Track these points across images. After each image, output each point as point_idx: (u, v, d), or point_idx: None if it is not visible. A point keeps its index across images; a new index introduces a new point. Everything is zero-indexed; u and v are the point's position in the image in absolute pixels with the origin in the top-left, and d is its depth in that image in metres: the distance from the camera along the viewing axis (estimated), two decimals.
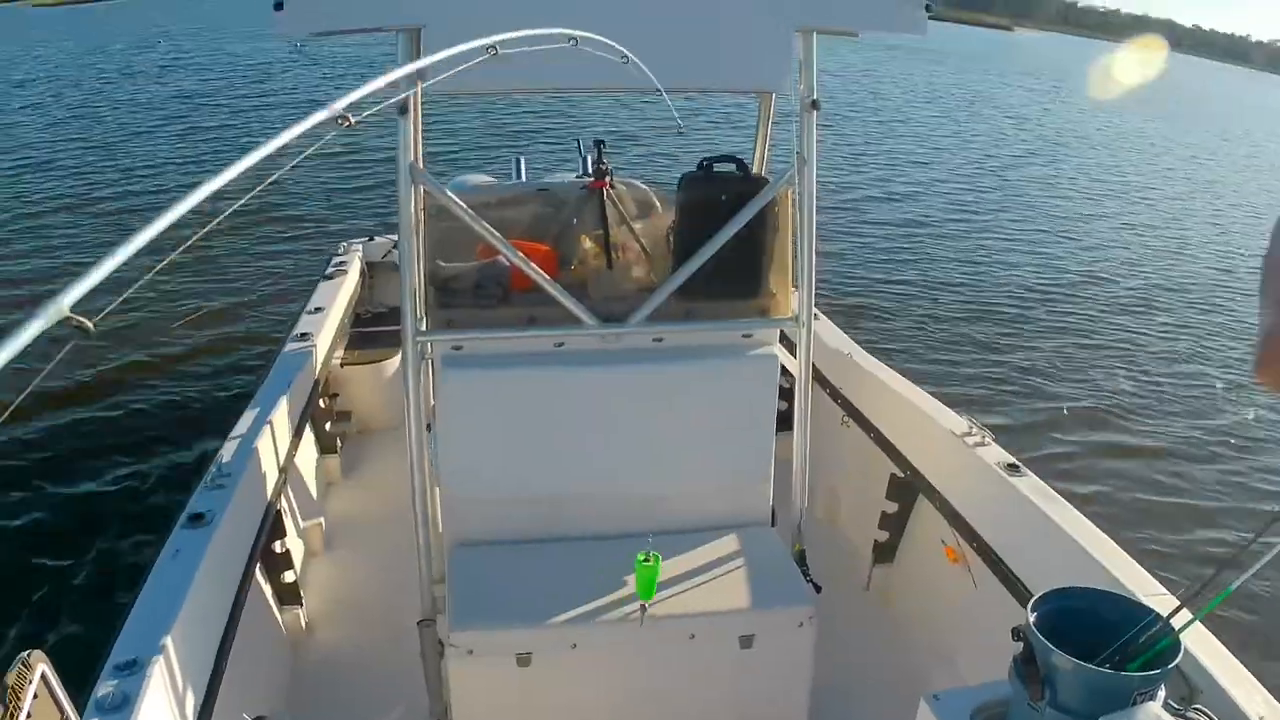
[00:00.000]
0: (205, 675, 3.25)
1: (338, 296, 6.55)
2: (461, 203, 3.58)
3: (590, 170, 4.30)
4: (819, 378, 5.22)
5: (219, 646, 3.42)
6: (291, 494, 4.98)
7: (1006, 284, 12.77)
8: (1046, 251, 14.37)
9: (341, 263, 7.13)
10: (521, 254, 3.63)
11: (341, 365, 6.40)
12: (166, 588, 3.26)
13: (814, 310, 5.41)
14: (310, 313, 6.22)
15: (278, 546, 4.43)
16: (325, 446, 5.90)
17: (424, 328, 3.70)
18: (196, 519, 3.68)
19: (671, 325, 3.81)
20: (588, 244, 4.09)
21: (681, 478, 3.97)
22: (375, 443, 6.37)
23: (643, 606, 3.38)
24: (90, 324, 0.98)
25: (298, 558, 4.84)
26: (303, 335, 5.81)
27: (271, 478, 4.45)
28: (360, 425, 6.47)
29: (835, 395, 5.27)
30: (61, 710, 1.89)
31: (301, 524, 5.12)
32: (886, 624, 4.67)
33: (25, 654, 1.87)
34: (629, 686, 3.63)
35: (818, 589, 3.76)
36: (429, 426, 3.85)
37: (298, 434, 5.08)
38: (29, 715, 1.74)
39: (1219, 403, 9.99)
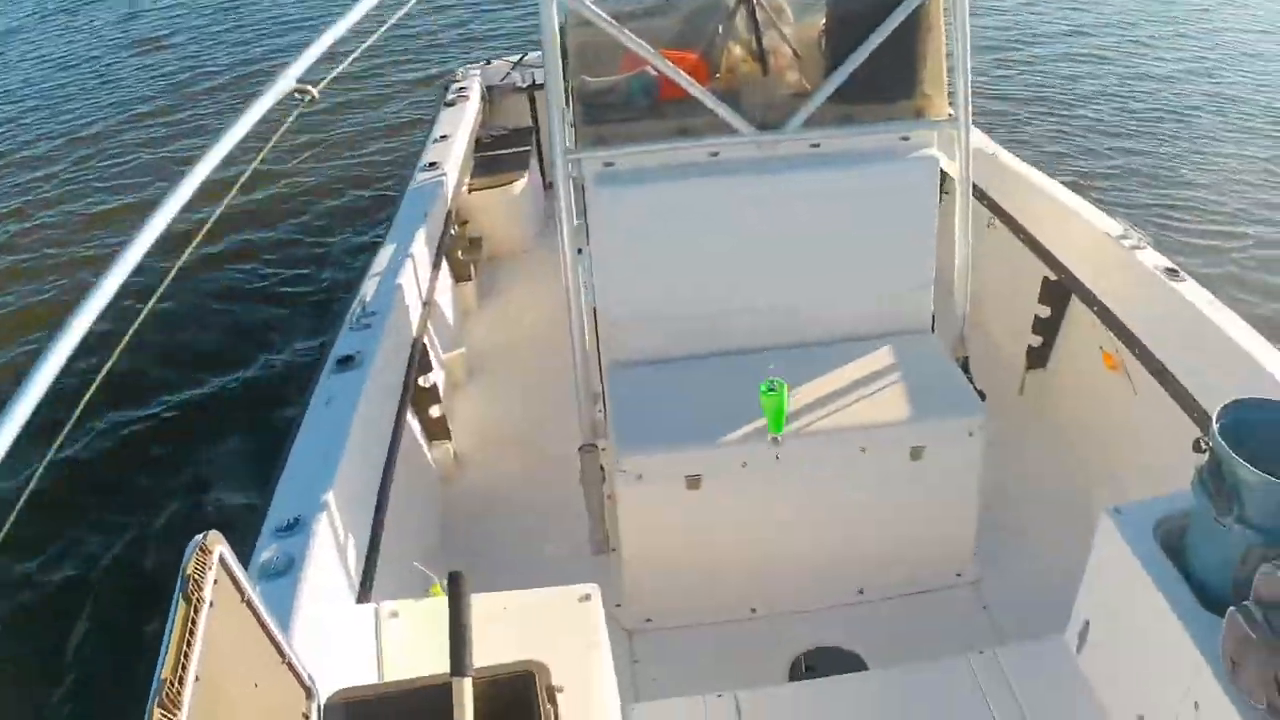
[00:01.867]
0: (367, 527, 3.25)
1: (461, 122, 6.45)
2: (603, 12, 3.46)
3: None
4: (987, 201, 5.09)
5: (378, 495, 3.43)
6: (432, 327, 4.98)
7: (1168, 100, 11.84)
8: (1212, 67, 13.23)
9: (462, 88, 7.00)
10: (670, 62, 3.52)
11: (469, 192, 6.32)
12: (321, 438, 3.27)
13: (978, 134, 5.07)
14: (436, 141, 6.15)
15: (423, 381, 4.39)
16: (460, 275, 5.86)
17: (572, 144, 3.61)
18: (345, 361, 3.70)
19: (828, 130, 3.70)
20: (738, 50, 3.90)
21: (843, 285, 3.89)
22: (508, 268, 6.33)
23: (774, 439, 3.31)
24: (314, 91, 0.95)
25: (443, 392, 4.85)
26: (431, 165, 5.71)
27: (415, 313, 4.46)
28: (491, 250, 6.40)
29: (981, 196, 5.02)
30: (242, 592, 1.77)
31: (443, 356, 5.13)
32: (1046, 430, 4.55)
33: (201, 537, 1.71)
34: (800, 503, 3.59)
35: (983, 396, 3.69)
36: (580, 250, 3.80)
37: (435, 266, 5.07)
38: (211, 604, 1.62)
39: None
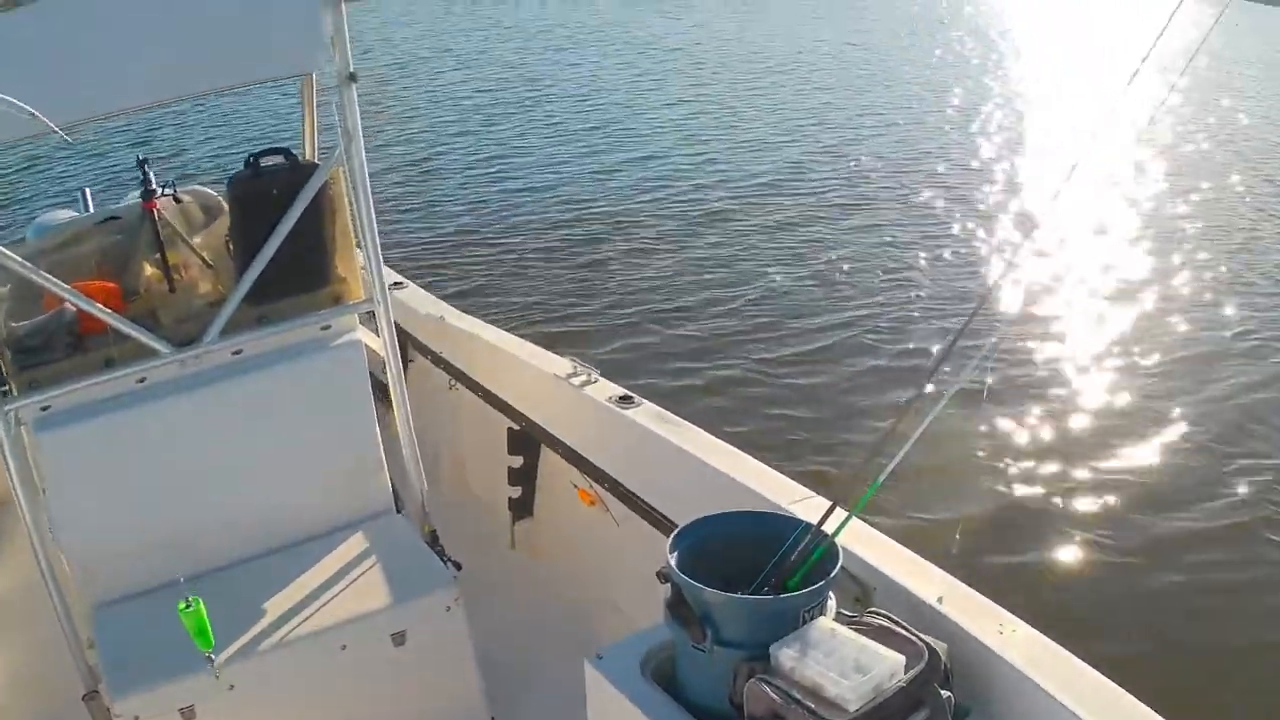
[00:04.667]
0: None
1: None
2: (11, 254, 3.36)
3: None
4: (419, 346, 5.24)
5: None
6: None
7: (585, 214, 12.74)
8: (609, 175, 14.49)
9: None
10: (83, 294, 3.45)
11: None
12: None
13: (400, 280, 5.46)
14: None
15: None
16: None
17: (14, 393, 3.48)
18: None
19: (246, 335, 3.67)
20: (149, 269, 3.91)
21: (294, 485, 3.84)
22: None
23: (209, 658, 3.16)
24: None
25: None
26: None
27: None
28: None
29: (438, 361, 5.16)
30: None
31: None
32: (541, 579, 4.59)
33: None
34: (298, 715, 3.49)
35: (458, 566, 3.71)
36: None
37: None
38: None
39: (824, 299, 10.21)
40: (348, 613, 3.46)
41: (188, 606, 3.05)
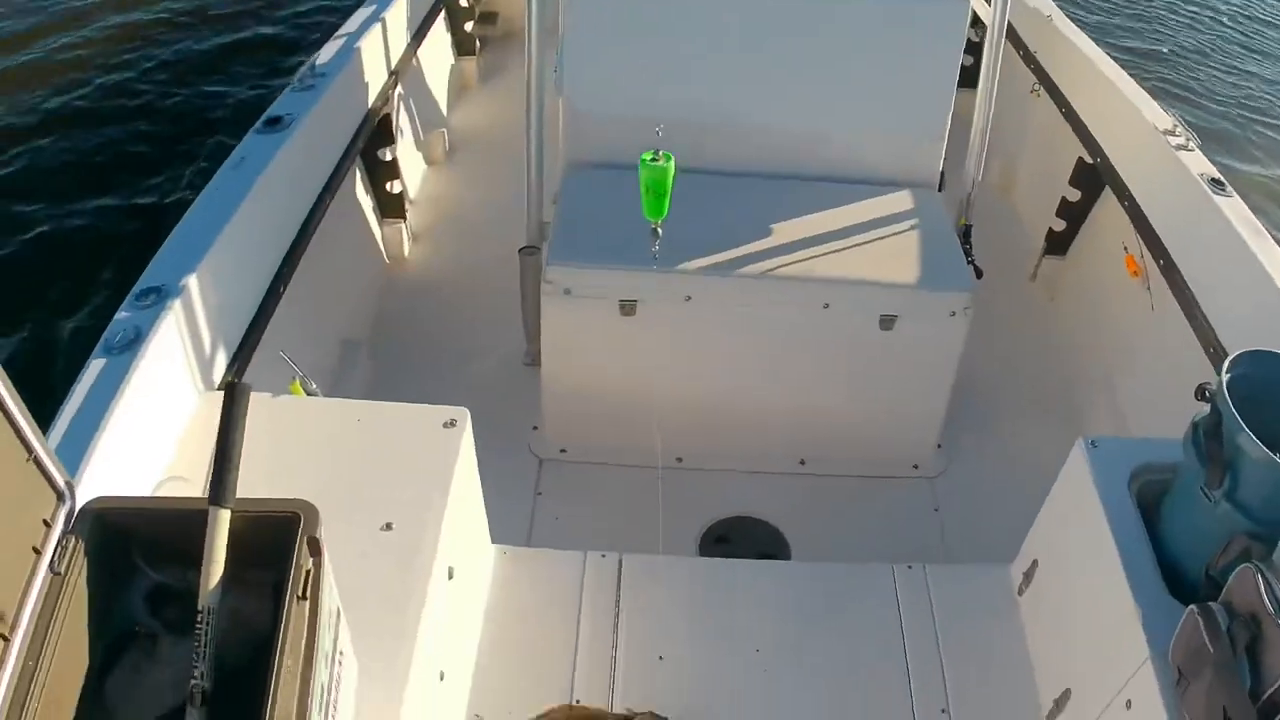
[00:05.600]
0: (249, 306, 2.91)
1: None
2: None
3: None
4: (1012, 37, 4.61)
5: (277, 270, 3.09)
6: (409, 97, 4.59)
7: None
8: None
9: None
10: None
11: None
12: (216, 202, 2.90)
13: None
14: None
15: (385, 154, 4.11)
16: (463, 48, 5.42)
17: None
18: (273, 122, 3.33)
19: None
20: None
21: (843, 119, 3.47)
22: (521, 48, 5.80)
23: (654, 230, 2.87)
24: None
25: (411, 168, 4.52)
26: None
27: (378, 79, 4.06)
28: (507, 28, 5.81)
29: (1029, 59, 4.61)
30: None
31: (421, 132, 4.76)
32: (1047, 323, 4.17)
33: None
34: (747, 351, 3.25)
35: (979, 274, 3.30)
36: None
37: (420, 31, 4.63)
38: None
39: None
40: (842, 273, 3.12)
41: (654, 158, 2.69)
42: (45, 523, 1.55)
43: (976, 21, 3.64)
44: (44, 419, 2.16)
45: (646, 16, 3.32)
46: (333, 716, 1.61)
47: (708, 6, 3.30)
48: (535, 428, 3.47)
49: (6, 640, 1.42)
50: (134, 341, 2.35)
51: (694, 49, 3.35)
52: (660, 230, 2.85)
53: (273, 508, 1.58)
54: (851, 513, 3.32)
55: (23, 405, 1.53)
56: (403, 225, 4.27)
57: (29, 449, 1.53)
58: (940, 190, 3.56)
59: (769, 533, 3.26)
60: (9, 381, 1.51)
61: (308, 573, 1.51)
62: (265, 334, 2.92)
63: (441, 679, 2.20)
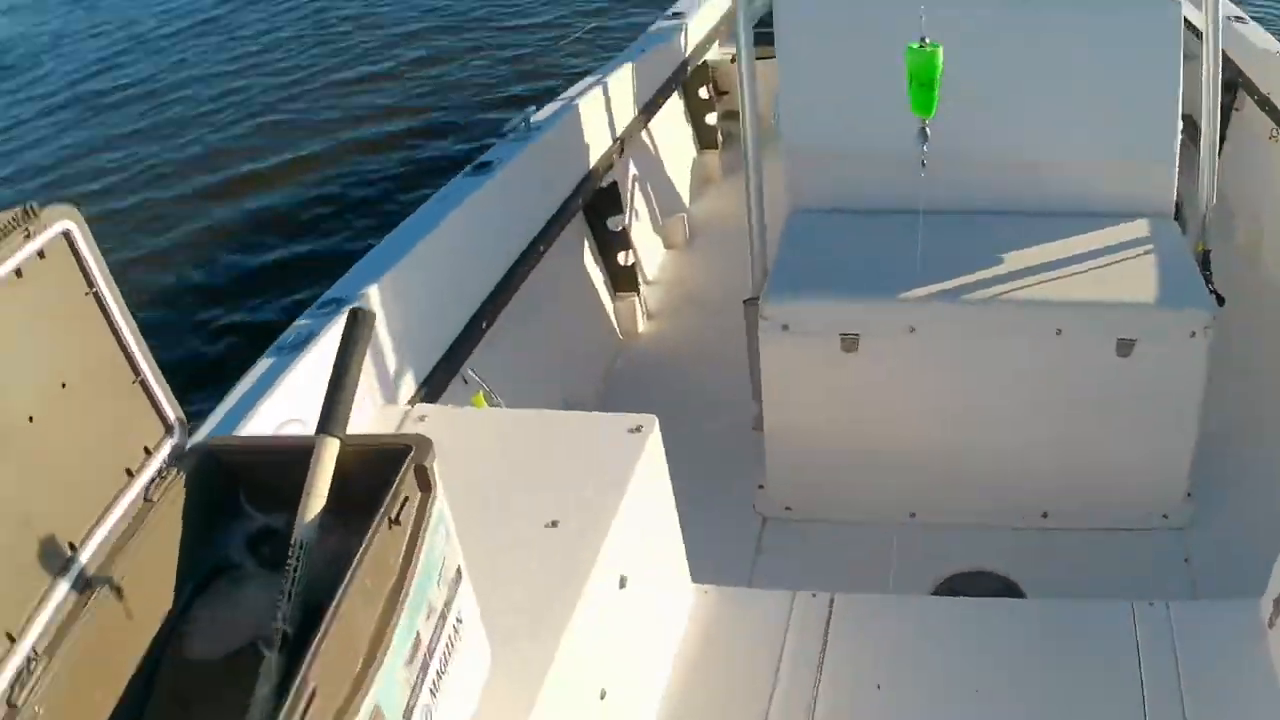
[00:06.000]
0: (443, 327, 2.92)
1: None
2: None
3: None
4: (1246, 84, 4.34)
5: (478, 308, 3.09)
6: (643, 175, 4.66)
7: None
8: None
9: None
10: None
11: (732, 60, 5.76)
12: (413, 228, 2.95)
13: (1242, 15, 4.60)
14: None
15: (615, 224, 4.15)
16: (705, 141, 5.48)
17: None
18: (482, 167, 3.37)
19: None
20: None
21: (1065, 144, 3.28)
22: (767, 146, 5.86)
23: (922, 129, 2.67)
24: None
25: (646, 246, 4.57)
26: (675, 15, 5.19)
27: (600, 142, 4.10)
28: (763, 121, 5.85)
29: (1264, 103, 4.20)
30: (90, 282, 1.37)
31: (659, 213, 4.81)
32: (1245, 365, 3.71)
33: (33, 202, 1.31)
34: (978, 386, 3.07)
35: (1220, 300, 3.02)
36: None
37: (650, 106, 4.67)
38: (19, 273, 1.26)
39: None
40: (1075, 295, 2.95)
41: (921, 43, 2.53)
42: (146, 450, 1.42)
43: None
44: (206, 411, 2.09)
45: (857, 42, 3.24)
46: (434, 686, 1.36)
47: (925, 29, 3.15)
48: (761, 486, 3.32)
49: (75, 549, 1.27)
50: (305, 342, 2.31)
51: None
52: (929, 130, 2.66)
53: (384, 442, 1.40)
54: (1094, 565, 3.01)
55: (138, 332, 1.44)
56: (635, 299, 4.26)
57: (136, 371, 1.43)
58: (1176, 218, 3.33)
59: (1004, 586, 2.97)
60: (125, 307, 1.42)
61: (406, 499, 1.30)
62: (463, 364, 2.91)
63: (602, 697, 1.93)
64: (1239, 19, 4.53)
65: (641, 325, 4.31)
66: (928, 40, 2.51)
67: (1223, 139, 4.22)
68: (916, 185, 3.09)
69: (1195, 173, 3.29)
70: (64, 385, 1.33)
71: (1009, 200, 3.27)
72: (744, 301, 3.26)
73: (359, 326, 1.41)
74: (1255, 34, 4.48)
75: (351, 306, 1.81)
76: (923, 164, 2.72)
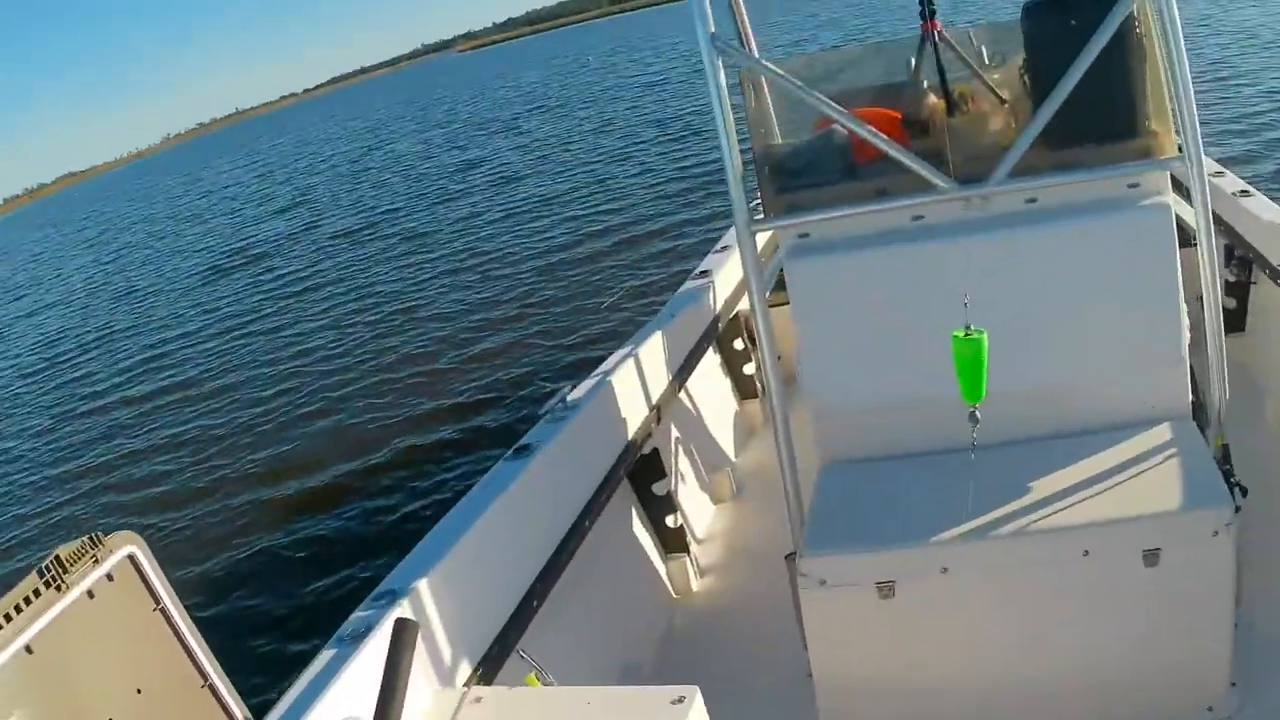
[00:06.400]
0: (497, 610, 2.98)
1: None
2: (779, 70, 3.22)
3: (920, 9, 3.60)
4: (1260, 260, 4.37)
5: (529, 588, 3.15)
6: (685, 435, 4.78)
7: None
8: None
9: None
10: (861, 121, 3.17)
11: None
12: (461, 516, 3.08)
13: (1248, 188, 4.61)
14: (716, 251, 5.79)
15: (659, 489, 4.23)
16: (744, 392, 5.58)
17: (761, 216, 3.35)
18: (522, 450, 3.48)
19: (1041, 179, 3.14)
20: (933, 99, 3.52)
21: (1075, 363, 3.34)
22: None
23: (972, 414, 2.70)
24: None
25: (694, 504, 4.63)
26: (702, 273, 5.38)
27: (637, 412, 4.18)
28: (789, 368, 5.99)
29: (1277, 276, 4.23)
30: (156, 599, 1.58)
31: (704, 470, 4.89)
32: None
33: (101, 533, 1.56)
34: (1015, 617, 3.07)
35: (1244, 492, 3.05)
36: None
37: (685, 369, 4.75)
38: (91, 595, 1.44)
39: None
40: (1096, 515, 2.96)
41: (967, 333, 2.59)
42: None
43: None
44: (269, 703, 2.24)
45: (868, 302, 3.39)
46: None
47: (922, 281, 3.31)
48: None
49: None
50: (362, 635, 2.37)
51: (923, 322, 3.25)
52: (979, 415, 2.71)
53: None
54: None
55: (202, 640, 1.62)
56: (686, 560, 4.30)
57: (204, 676, 1.59)
58: (1196, 416, 3.34)
59: None
60: (189, 618, 1.61)
61: None
62: (517, 644, 2.95)
63: None
64: (1245, 193, 4.60)
65: (694, 584, 4.33)
66: (972, 327, 2.60)
67: (1243, 315, 4.26)
68: (941, 429, 3.21)
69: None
70: (139, 691, 1.49)
71: (1029, 427, 3.30)
72: (785, 557, 3.33)
73: (404, 638, 1.58)
74: (1263, 207, 4.52)
75: (397, 617, 1.92)
76: (973, 446, 2.78)
